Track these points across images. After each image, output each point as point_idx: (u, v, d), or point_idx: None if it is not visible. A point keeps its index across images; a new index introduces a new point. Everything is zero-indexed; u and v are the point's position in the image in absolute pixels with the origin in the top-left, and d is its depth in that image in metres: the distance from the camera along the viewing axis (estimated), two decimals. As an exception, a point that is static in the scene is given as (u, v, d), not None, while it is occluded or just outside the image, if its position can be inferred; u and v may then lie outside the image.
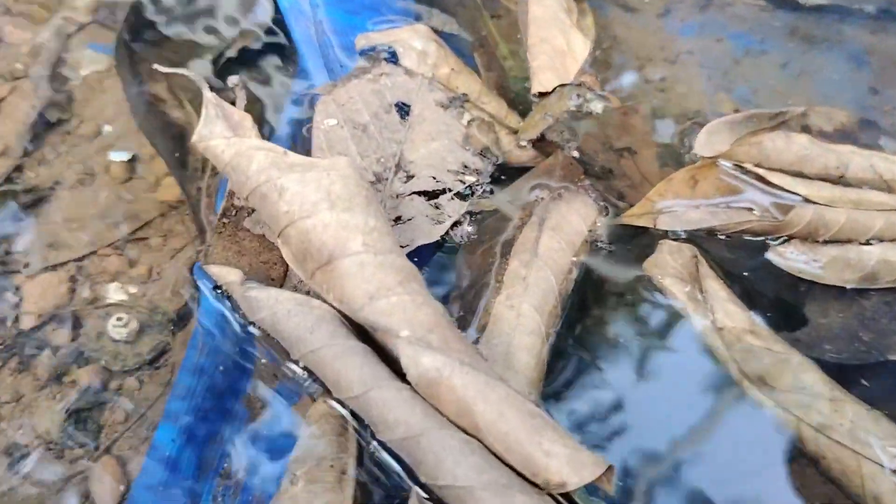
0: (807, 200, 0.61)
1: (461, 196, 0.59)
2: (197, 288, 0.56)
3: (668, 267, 0.57)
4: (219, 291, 0.54)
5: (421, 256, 0.54)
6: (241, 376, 0.54)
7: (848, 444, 0.49)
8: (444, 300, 0.56)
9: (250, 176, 0.49)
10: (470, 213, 0.60)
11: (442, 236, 0.57)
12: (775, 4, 0.85)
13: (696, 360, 0.55)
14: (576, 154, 0.65)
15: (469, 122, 0.63)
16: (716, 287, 0.56)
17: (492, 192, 0.62)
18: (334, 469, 0.45)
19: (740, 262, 0.61)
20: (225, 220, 0.56)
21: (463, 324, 0.55)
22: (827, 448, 0.50)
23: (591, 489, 0.44)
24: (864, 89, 0.78)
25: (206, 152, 0.52)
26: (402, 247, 0.51)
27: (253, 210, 0.56)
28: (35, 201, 0.64)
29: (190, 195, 0.63)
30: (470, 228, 0.58)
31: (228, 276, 0.50)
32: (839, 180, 0.64)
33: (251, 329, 0.52)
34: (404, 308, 0.45)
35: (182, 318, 0.58)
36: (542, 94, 0.67)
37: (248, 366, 0.54)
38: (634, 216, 0.61)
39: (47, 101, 0.69)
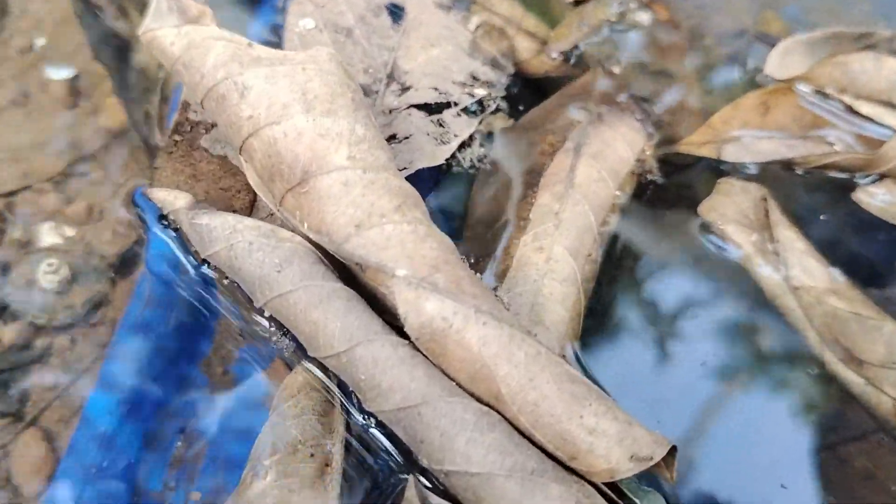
0: None
1: (469, 112, 0.49)
2: (144, 223, 0.46)
3: (731, 210, 0.47)
4: (165, 223, 0.43)
5: (420, 185, 0.43)
6: (199, 336, 0.44)
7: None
8: (453, 240, 0.46)
9: (206, 73, 0.39)
10: (482, 133, 0.50)
11: (448, 160, 0.47)
12: None
13: (763, 326, 0.45)
14: (616, 71, 0.55)
15: (477, 26, 0.53)
16: (791, 237, 0.46)
17: (509, 109, 0.51)
18: (315, 459, 0.35)
19: (820, 205, 0.51)
20: (177, 138, 0.46)
21: (477, 270, 0.45)
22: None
23: (643, 475, 0.34)
24: None
25: (153, 46, 0.42)
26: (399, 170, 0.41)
27: (213, 125, 0.46)
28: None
29: (136, 120, 0.52)
30: (482, 150, 0.48)
31: (176, 200, 0.40)
32: None
33: (206, 271, 0.42)
34: (402, 240, 0.34)
35: (125, 264, 0.48)
36: (579, 0, 0.57)
37: (209, 322, 0.44)
38: (694, 144, 0.51)
39: None
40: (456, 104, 0.48)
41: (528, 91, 0.54)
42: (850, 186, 0.51)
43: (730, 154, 0.51)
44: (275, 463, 0.35)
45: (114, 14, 0.59)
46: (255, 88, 0.37)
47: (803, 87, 0.54)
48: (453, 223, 0.47)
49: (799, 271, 0.45)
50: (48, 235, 0.50)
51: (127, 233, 0.48)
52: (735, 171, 0.52)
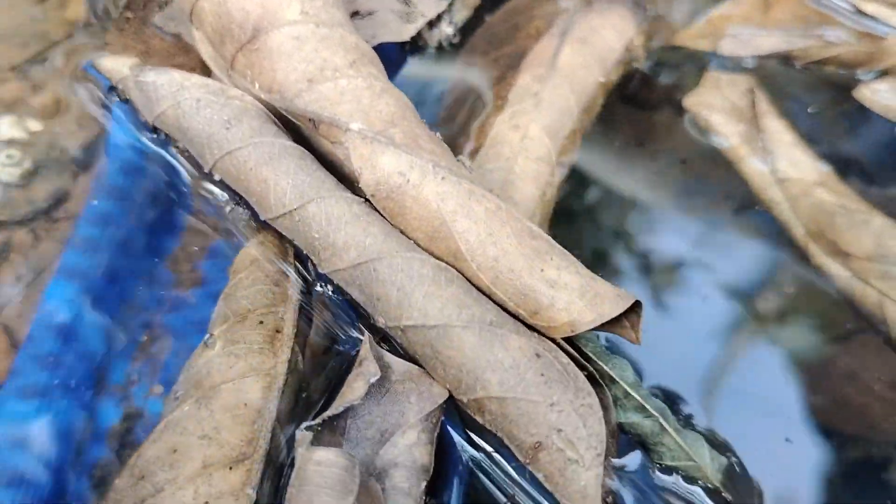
0: None
1: None
2: (104, 106, 0.44)
3: (718, 101, 0.46)
4: (115, 95, 0.42)
5: (387, 63, 0.41)
6: (164, 232, 0.43)
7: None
8: (436, 115, 0.44)
9: None
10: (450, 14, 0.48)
11: (415, 38, 0.45)
12: None
13: (746, 217, 0.44)
14: None
15: None
16: (778, 128, 0.45)
17: None
18: (265, 326, 0.34)
19: (817, 103, 0.49)
20: (129, 15, 0.45)
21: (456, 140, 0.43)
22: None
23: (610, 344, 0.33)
24: None
25: None
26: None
27: (166, 2, 0.44)
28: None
29: (97, 12, 0.51)
30: (449, 30, 0.47)
31: (123, 67, 0.39)
32: None
33: (151, 141, 0.41)
34: (357, 95, 0.33)
35: (87, 157, 0.46)
36: None
37: (175, 219, 0.43)
38: (690, 38, 0.49)
39: None
40: None
41: None
42: (850, 85, 0.49)
43: (727, 48, 0.49)
44: (223, 333, 0.33)
45: None
46: None
47: None
48: (428, 105, 0.46)
49: (786, 163, 0.43)
50: (11, 128, 0.49)
51: (88, 124, 0.47)
52: (735, 63, 0.50)
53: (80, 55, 0.50)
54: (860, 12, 0.51)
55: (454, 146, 0.42)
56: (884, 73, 0.49)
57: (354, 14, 0.44)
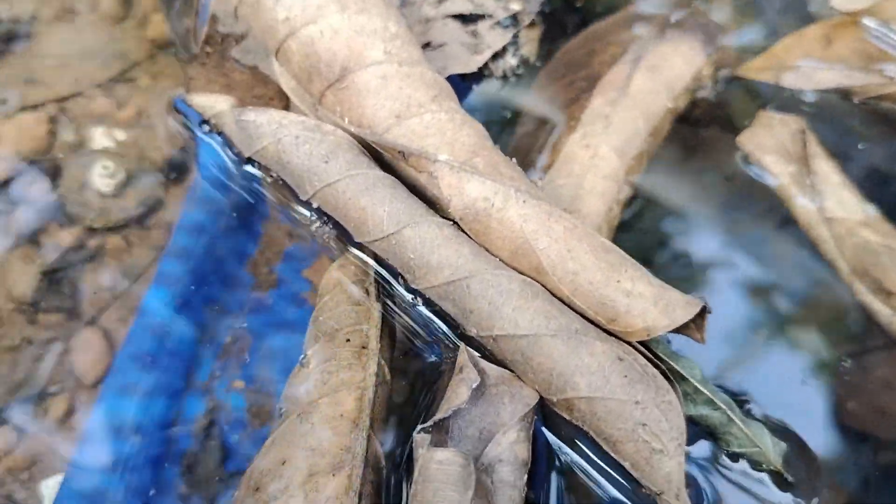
0: None
1: (503, 25, 0.50)
2: (189, 129, 0.48)
3: (770, 142, 0.50)
4: (207, 127, 0.45)
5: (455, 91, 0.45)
6: (245, 238, 0.47)
7: None
8: (507, 139, 0.47)
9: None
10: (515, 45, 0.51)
11: (482, 69, 0.49)
12: None
13: (795, 253, 0.47)
14: None
15: None
16: (827, 169, 0.48)
17: (546, 26, 0.53)
18: (351, 343, 0.38)
19: (873, 138, 0.52)
20: (208, 50, 0.48)
21: (524, 166, 0.46)
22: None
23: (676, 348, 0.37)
24: None
25: None
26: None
27: (243, 36, 0.48)
28: (13, 35, 0.56)
29: (177, 33, 0.54)
30: (514, 62, 0.50)
31: (217, 104, 0.43)
32: None
33: (250, 170, 0.44)
34: (441, 128, 0.37)
35: (177, 169, 0.50)
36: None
37: (254, 226, 0.47)
38: (754, 70, 0.53)
39: None
40: (491, 16, 0.50)
41: (565, 10, 0.55)
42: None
43: (789, 81, 0.53)
44: (316, 352, 0.37)
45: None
46: None
47: (868, 21, 0.55)
48: (494, 127, 0.49)
49: (833, 203, 0.46)
50: (101, 138, 0.53)
51: (175, 139, 0.51)
52: (785, 102, 0.53)
53: (163, 76, 0.54)
54: None
55: (527, 162, 0.46)
56: None
57: (426, 46, 0.48)
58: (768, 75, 0.54)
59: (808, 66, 0.55)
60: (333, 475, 0.33)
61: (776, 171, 0.48)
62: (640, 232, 0.45)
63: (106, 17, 0.58)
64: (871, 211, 0.48)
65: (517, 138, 0.48)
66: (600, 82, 0.48)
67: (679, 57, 0.50)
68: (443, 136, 0.36)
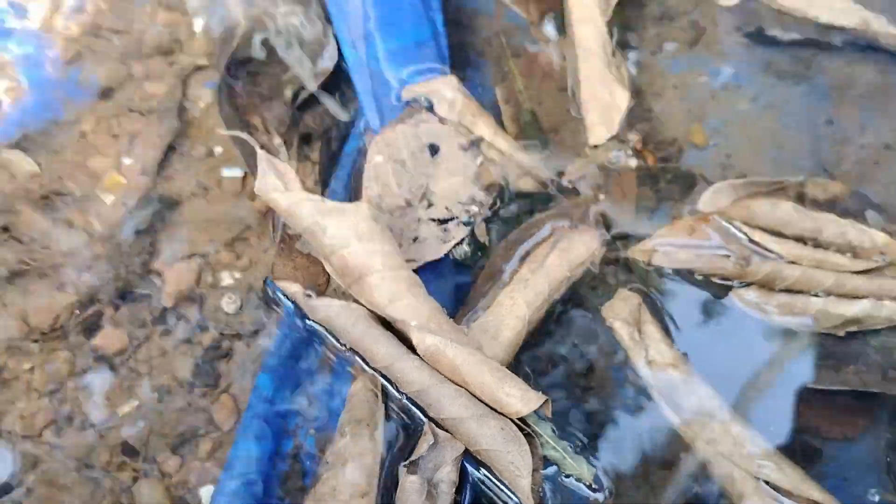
0: (780, 257, 0.83)
1: (465, 223, 0.85)
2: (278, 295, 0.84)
3: (619, 312, 0.82)
4: (287, 298, 0.81)
5: (430, 270, 0.82)
6: (309, 352, 0.81)
7: (726, 455, 0.73)
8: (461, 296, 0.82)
9: (302, 219, 0.78)
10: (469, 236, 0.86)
11: (447, 253, 0.84)
12: (755, 40, 1.03)
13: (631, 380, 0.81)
14: (601, 197, 0.90)
15: (481, 162, 0.88)
16: (652, 330, 0.81)
17: (499, 219, 0.87)
18: (369, 427, 0.73)
19: (704, 301, 0.85)
20: (283, 245, 0.84)
21: (474, 307, 0.81)
22: (713, 457, 0.74)
23: (540, 416, 0.71)
24: (822, 120, 0.98)
25: (268, 202, 0.80)
26: (413, 261, 0.81)
27: (300, 235, 0.83)
28: (169, 207, 0.92)
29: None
30: (467, 248, 0.85)
31: (291, 287, 0.79)
32: (813, 242, 0.85)
33: (311, 324, 0.80)
34: (413, 307, 0.72)
35: (273, 302, 0.85)
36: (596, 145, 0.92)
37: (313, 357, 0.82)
38: (636, 251, 0.86)
39: (173, 131, 0.96)
40: (457, 218, 0.84)
41: (516, 204, 0.90)
42: (729, 288, 0.84)
43: (658, 259, 0.85)
44: (348, 430, 0.72)
45: (262, 130, 0.96)
46: (330, 228, 0.76)
47: (718, 218, 0.85)
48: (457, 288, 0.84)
49: (654, 352, 0.79)
50: (227, 279, 0.88)
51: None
52: (650, 277, 0.85)
53: (265, 236, 0.89)
54: (751, 240, 0.84)
55: (477, 303, 0.81)
56: (750, 284, 0.83)
57: (415, 239, 0.82)
58: (643, 255, 0.84)
59: (670, 248, 0.84)
60: (362, 497, 0.68)
61: (621, 332, 0.81)
62: (530, 353, 0.80)
63: (227, 193, 0.94)
64: (681, 355, 0.79)
65: (470, 297, 0.83)
66: (529, 256, 0.83)
67: (582, 243, 0.84)
68: (414, 310, 0.72)
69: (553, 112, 0.99)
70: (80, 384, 0.82)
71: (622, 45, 1.04)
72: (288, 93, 0.98)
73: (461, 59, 1.03)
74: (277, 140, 0.94)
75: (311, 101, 0.98)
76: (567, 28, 0.97)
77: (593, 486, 0.71)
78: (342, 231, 0.74)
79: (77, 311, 0.85)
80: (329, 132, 0.95)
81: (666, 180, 0.91)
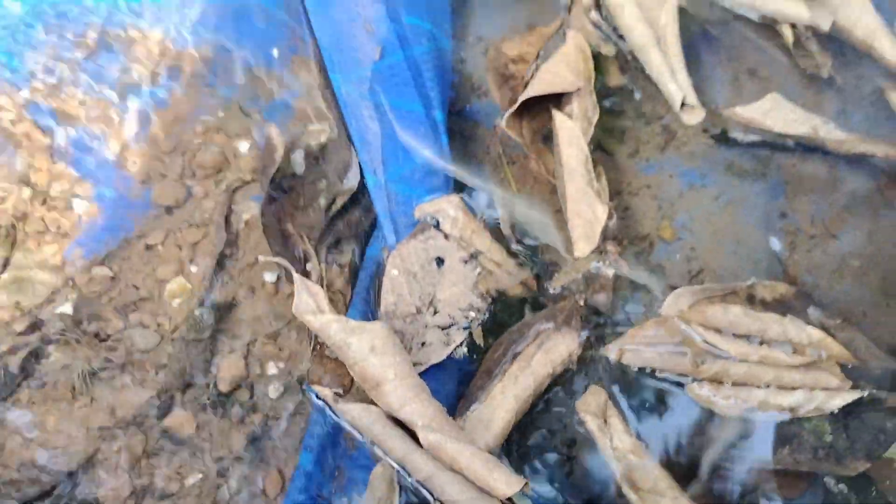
0: (729, 355, 0.96)
1: (464, 328, 1.03)
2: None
3: (590, 405, 0.99)
4: (319, 398, 1.00)
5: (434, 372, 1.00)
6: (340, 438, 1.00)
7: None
8: (461, 390, 1.01)
9: (330, 337, 0.98)
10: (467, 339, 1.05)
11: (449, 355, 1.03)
12: (718, 141, 1.14)
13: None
14: (581, 303, 1.06)
15: (479, 273, 1.06)
16: (615, 422, 0.97)
17: (492, 322, 1.05)
18: (390, 500, 0.91)
19: (663, 394, 1.02)
20: (315, 353, 1.03)
21: (472, 399, 0.99)
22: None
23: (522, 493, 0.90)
24: (776, 213, 1.09)
25: (304, 321, 0.99)
26: (420, 364, 0.99)
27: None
28: (224, 308, 1.11)
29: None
30: (465, 350, 1.02)
31: (324, 391, 0.99)
32: (759, 340, 0.98)
33: (339, 420, 0.99)
34: (419, 410, 0.92)
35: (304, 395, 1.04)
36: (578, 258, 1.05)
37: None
38: (609, 351, 1.02)
39: (223, 242, 1.15)
40: (457, 323, 1.03)
41: (505, 304, 1.08)
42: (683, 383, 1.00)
43: (626, 359, 0.98)
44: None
45: (298, 240, 1.15)
46: (352, 345, 0.95)
47: (677, 321, 0.97)
48: (460, 382, 1.03)
49: (617, 440, 0.96)
50: (271, 368, 1.08)
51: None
52: (616, 372, 1.03)
53: (302, 332, 1.08)
54: (705, 341, 0.98)
55: (475, 397, 0.99)
56: (703, 380, 0.98)
57: (423, 343, 1.01)
58: (615, 354, 0.97)
59: (637, 348, 0.96)
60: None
61: (591, 424, 0.97)
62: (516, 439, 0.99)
63: (269, 294, 1.13)
64: (640, 444, 0.96)
65: (469, 389, 1.01)
66: (520, 355, 1.00)
67: (563, 345, 1.00)
68: (420, 414, 0.90)
69: (542, 211, 1.16)
70: (154, 461, 1.02)
71: (604, 149, 1.21)
72: (321, 202, 1.17)
73: (463, 162, 1.16)
74: (309, 246, 1.14)
75: (342, 209, 1.17)
76: (555, 146, 1.13)
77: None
78: (362, 347, 0.93)
79: (153, 399, 1.05)
80: (358, 237, 1.14)
81: (634, 287, 1.09)
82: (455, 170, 1.13)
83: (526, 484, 0.87)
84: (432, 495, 0.90)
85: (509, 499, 0.87)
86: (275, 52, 1.23)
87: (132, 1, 1.22)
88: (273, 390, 1.06)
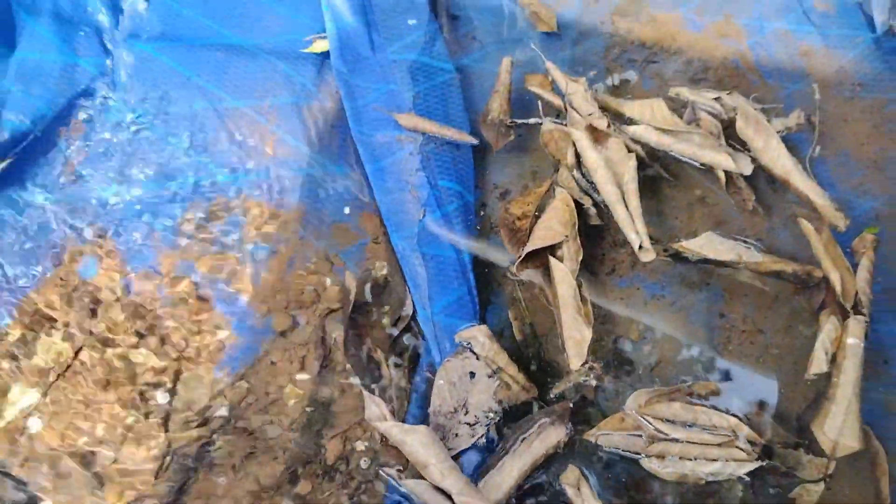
0: (671, 437, 1.25)
1: (486, 425, 1.51)
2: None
3: (569, 478, 1.22)
4: (388, 475, 1.50)
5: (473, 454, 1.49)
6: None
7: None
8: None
9: (392, 436, 1.45)
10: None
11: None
12: (674, 259, 1.39)
13: None
14: (571, 405, 1.36)
15: (498, 384, 1.52)
16: (587, 491, 1.31)
17: (505, 419, 1.52)
18: None
19: (625, 465, 1.43)
20: (382, 442, 1.53)
21: (489, 469, 1.48)
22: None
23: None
24: (716, 314, 1.38)
25: (373, 426, 1.48)
26: (452, 449, 1.45)
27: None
28: (325, 404, 1.63)
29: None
30: (484, 440, 1.50)
31: (391, 471, 1.47)
32: (693, 426, 1.27)
33: (402, 488, 1.49)
34: (454, 483, 1.40)
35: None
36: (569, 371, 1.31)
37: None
38: (591, 435, 1.29)
39: (322, 357, 1.63)
40: (480, 422, 1.51)
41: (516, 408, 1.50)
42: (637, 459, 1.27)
43: (600, 441, 1.26)
44: None
45: (379, 353, 1.65)
46: (407, 441, 1.44)
47: (637, 414, 1.32)
48: (480, 463, 1.51)
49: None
50: (360, 446, 1.59)
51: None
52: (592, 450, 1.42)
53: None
54: (655, 428, 1.32)
55: (486, 471, 1.48)
56: (651, 456, 1.31)
57: (456, 435, 1.50)
58: (593, 438, 1.25)
59: (607, 434, 1.24)
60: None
61: (570, 492, 1.20)
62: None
63: (356, 393, 1.63)
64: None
65: (489, 462, 1.49)
66: (523, 441, 1.41)
67: (556, 435, 1.37)
68: (455, 485, 1.37)
69: (544, 325, 1.49)
70: (289, 519, 1.57)
71: (589, 270, 1.52)
72: (386, 321, 1.66)
73: (486, 288, 1.47)
74: (380, 355, 1.63)
75: (403, 329, 1.48)
76: (551, 283, 1.55)
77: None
78: (414, 442, 1.42)
79: (284, 472, 1.57)
80: (417, 349, 1.64)
81: (610, 394, 1.55)
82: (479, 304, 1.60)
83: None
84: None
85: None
86: (346, 210, 1.72)
87: (247, 176, 1.70)
88: (364, 462, 1.54)
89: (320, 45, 1.56)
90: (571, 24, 1.65)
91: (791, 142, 1.47)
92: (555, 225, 1.55)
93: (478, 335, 1.55)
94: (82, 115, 1.50)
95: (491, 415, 1.47)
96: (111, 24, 1.56)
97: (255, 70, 1.53)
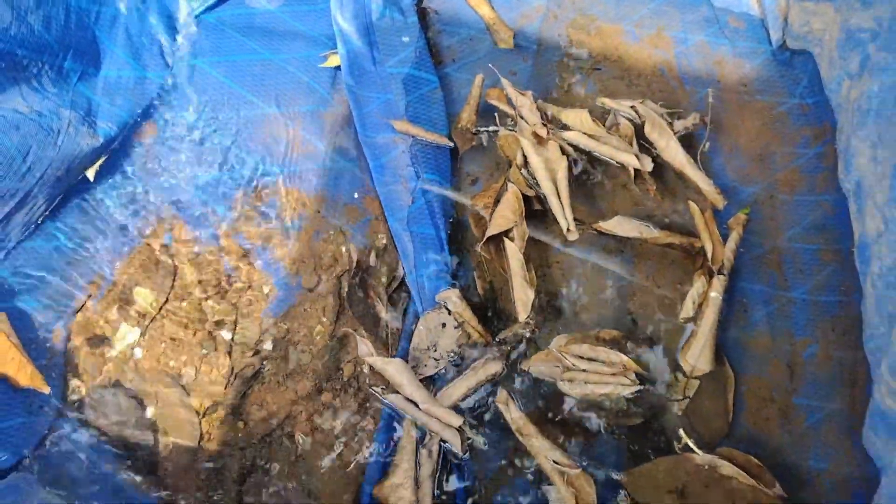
0: (579, 368, 1.53)
1: (449, 360, 2.09)
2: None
3: (501, 398, 1.55)
4: (375, 390, 2.11)
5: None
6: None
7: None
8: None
9: (377, 366, 1.92)
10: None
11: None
12: (598, 233, 1.61)
13: None
14: (509, 348, 1.57)
15: (459, 334, 1.51)
16: (513, 406, 1.49)
17: (461, 360, 1.62)
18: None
19: (547, 388, 1.57)
20: (371, 370, 2.15)
21: (445, 385, 1.62)
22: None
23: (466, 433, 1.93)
24: (628, 274, 1.59)
25: (363, 359, 2.04)
26: (421, 374, 1.71)
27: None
28: (341, 340, 2.01)
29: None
30: (444, 371, 2.03)
31: (376, 388, 2.04)
32: (595, 359, 1.53)
33: (384, 398, 2.05)
34: (419, 394, 1.91)
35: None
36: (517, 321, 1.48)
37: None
38: (527, 366, 1.54)
39: (337, 306, 1.67)
40: (444, 358, 1.45)
41: (475, 351, 1.66)
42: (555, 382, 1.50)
43: (532, 369, 1.52)
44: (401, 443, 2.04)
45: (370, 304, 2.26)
46: (387, 369, 1.92)
47: (558, 351, 1.54)
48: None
49: (512, 413, 1.43)
50: (367, 368, 2.22)
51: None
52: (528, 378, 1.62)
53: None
54: (570, 362, 1.60)
55: (440, 388, 1.63)
56: (564, 380, 1.54)
57: (425, 366, 2.08)
58: (527, 367, 1.50)
59: (538, 365, 1.48)
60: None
61: (501, 407, 1.49)
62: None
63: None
64: (523, 415, 1.52)
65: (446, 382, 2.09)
66: (471, 368, 2.00)
67: (494, 367, 1.49)
68: (420, 395, 1.87)
69: (501, 285, 1.62)
70: (316, 417, 2.19)
71: (534, 241, 1.63)
72: (384, 281, 2.25)
73: (458, 256, 1.64)
74: (381, 303, 2.23)
75: (396, 287, 1.70)
76: (505, 257, 1.59)
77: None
78: (391, 370, 1.78)
79: (313, 385, 2.21)
80: (406, 302, 1.80)
81: (542, 338, 1.74)
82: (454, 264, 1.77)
83: (464, 421, 1.85)
84: (426, 427, 1.82)
85: (459, 427, 1.85)
86: (356, 195, 1.79)
87: (281, 169, 1.73)
88: (370, 380, 2.15)
89: (334, 60, 1.74)
90: (533, 38, 1.79)
91: (694, 138, 1.63)
92: (507, 213, 1.61)
93: (452, 296, 1.93)
94: (154, 119, 1.72)
95: (451, 355, 1.60)
96: (169, 43, 1.71)
97: (285, 81, 1.72)
